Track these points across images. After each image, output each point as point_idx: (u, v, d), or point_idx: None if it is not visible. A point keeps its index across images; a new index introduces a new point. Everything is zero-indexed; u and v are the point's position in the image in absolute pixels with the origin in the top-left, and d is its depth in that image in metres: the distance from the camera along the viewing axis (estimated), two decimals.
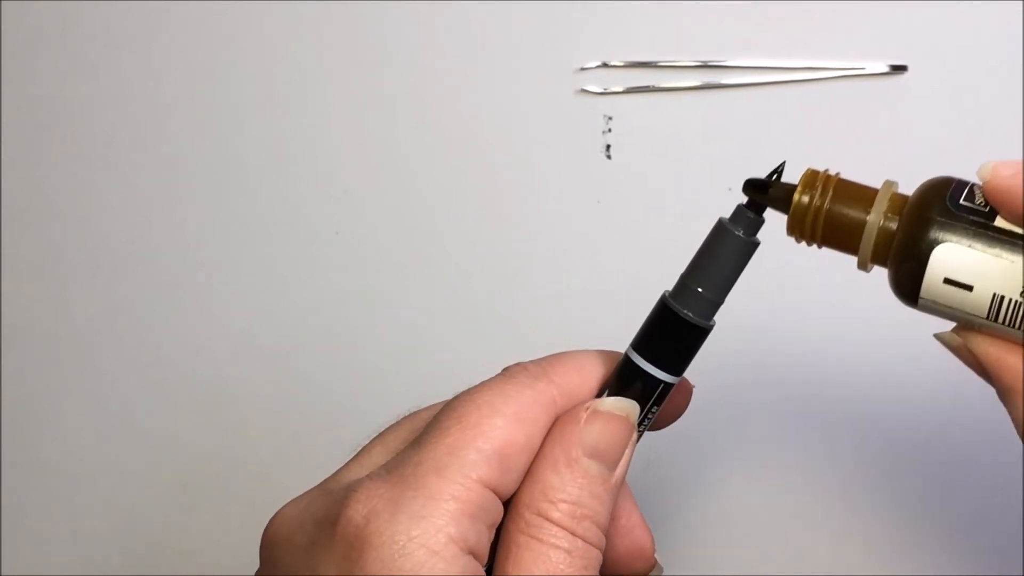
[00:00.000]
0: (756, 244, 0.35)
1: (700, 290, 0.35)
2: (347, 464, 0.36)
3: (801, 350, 0.53)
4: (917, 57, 0.53)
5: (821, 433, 0.53)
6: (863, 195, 0.34)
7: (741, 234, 0.35)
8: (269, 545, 0.35)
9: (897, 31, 0.53)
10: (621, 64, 0.55)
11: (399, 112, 0.56)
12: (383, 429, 0.37)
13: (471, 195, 0.56)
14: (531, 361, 0.36)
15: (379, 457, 0.36)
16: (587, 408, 0.35)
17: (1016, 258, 0.32)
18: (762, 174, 0.37)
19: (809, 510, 0.53)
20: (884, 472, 0.52)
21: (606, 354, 0.37)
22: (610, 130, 0.55)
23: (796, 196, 0.34)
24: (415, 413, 0.38)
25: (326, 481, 0.36)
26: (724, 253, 0.35)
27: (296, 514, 0.34)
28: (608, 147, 0.55)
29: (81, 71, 0.59)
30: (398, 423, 0.37)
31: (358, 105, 0.57)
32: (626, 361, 0.36)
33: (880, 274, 0.34)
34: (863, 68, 0.53)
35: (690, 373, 0.37)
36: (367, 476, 0.34)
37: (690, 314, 0.35)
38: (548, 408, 0.35)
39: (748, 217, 0.35)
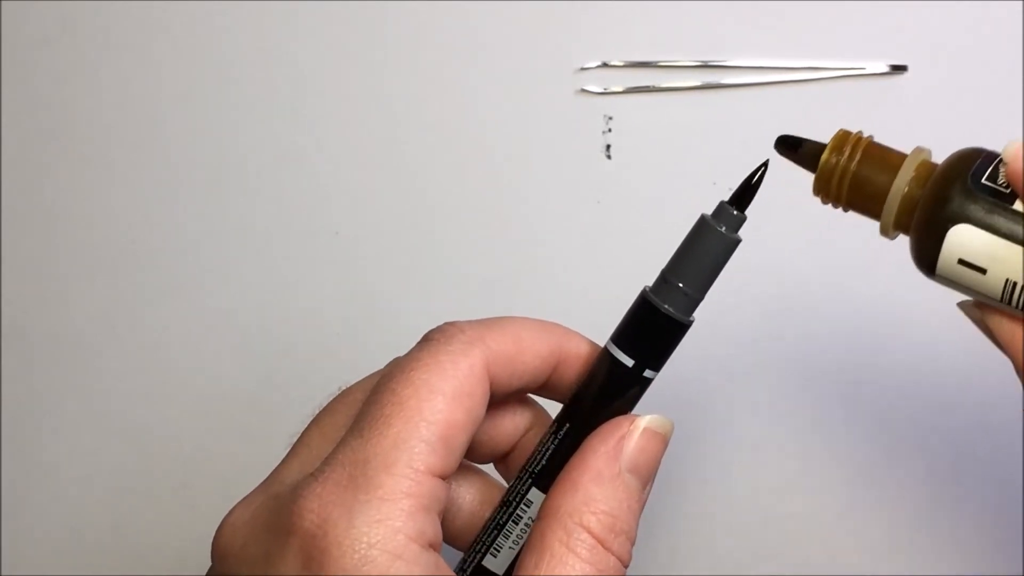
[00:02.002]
0: (738, 241, 0.35)
1: (681, 285, 0.35)
2: (287, 459, 0.36)
3: (802, 349, 0.53)
4: (917, 57, 0.53)
5: (820, 433, 0.53)
6: (891, 161, 0.34)
7: (723, 230, 0.35)
8: (221, 556, 0.34)
9: (897, 31, 0.53)
10: (621, 64, 0.55)
11: (399, 112, 0.56)
12: (317, 413, 0.37)
13: (471, 195, 0.56)
14: (466, 322, 0.36)
15: (318, 449, 0.35)
16: (632, 423, 0.35)
17: None
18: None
19: (808, 510, 0.53)
20: (883, 472, 0.52)
21: (545, 325, 0.37)
22: (610, 130, 0.55)
23: (824, 156, 0.34)
24: (348, 391, 0.37)
25: (270, 481, 0.35)
26: (706, 249, 0.35)
27: (246, 522, 0.34)
28: (608, 147, 0.55)
29: (81, 71, 0.59)
30: (333, 406, 0.37)
31: (358, 105, 0.57)
32: (605, 354, 0.36)
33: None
34: (863, 68, 0.53)
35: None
36: (313, 477, 0.33)
37: (670, 309, 0.35)
38: (484, 378, 0.35)
39: (731, 214, 0.35)
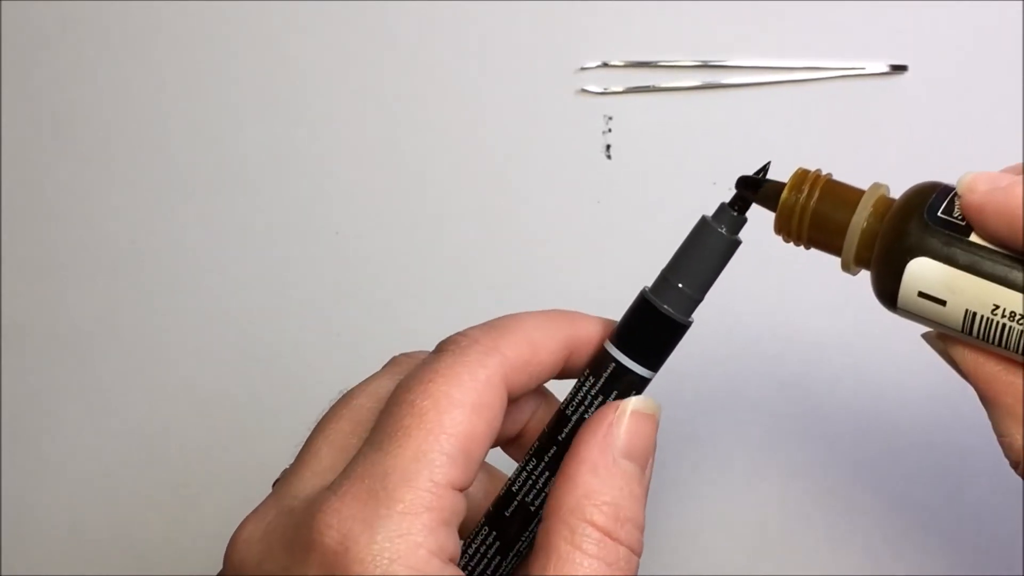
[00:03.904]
0: (738, 243, 0.35)
1: (680, 286, 0.35)
2: (296, 469, 0.35)
3: (803, 350, 0.53)
4: (917, 57, 0.53)
5: (821, 433, 0.53)
6: (850, 197, 0.34)
7: (724, 232, 0.35)
8: (237, 570, 0.34)
9: (897, 31, 0.53)
10: (621, 64, 0.55)
11: (399, 112, 0.56)
12: (319, 420, 0.36)
13: (471, 195, 0.56)
14: (478, 329, 0.35)
15: (328, 459, 0.34)
16: (617, 408, 0.35)
17: (988, 276, 0.31)
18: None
19: (809, 510, 0.53)
20: (884, 472, 0.52)
21: (553, 319, 0.37)
22: (610, 130, 0.55)
23: (784, 194, 0.34)
24: (350, 396, 0.36)
25: (280, 493, 0.34)
26: (706, 250, 0.35)
27: (261, 536, 0.33)
28: (608, 147, 0.55)
29: (81, 71, 0.59)
30: (336, 413, 0.36)
31: (358, 105, 0.57)
32: (603, 353, 0.36)
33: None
34: (863, 68, 0.53)
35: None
36: (330, 490, 0.32)
37: (669, 309, 0.35)
38: (502, 389, 0.34)
39: (731, 215, 0.35)
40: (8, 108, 0.60)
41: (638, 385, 0.36)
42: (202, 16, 0.58)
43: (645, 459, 0.35)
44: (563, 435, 0.36)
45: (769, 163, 0.35)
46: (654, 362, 0.36)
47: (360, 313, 0.56)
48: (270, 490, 0.35)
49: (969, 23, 0.52)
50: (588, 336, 0.37)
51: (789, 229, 0.35)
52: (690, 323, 0.36)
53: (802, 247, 0.35)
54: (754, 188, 0.35)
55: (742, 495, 0.53)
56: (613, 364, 0.36)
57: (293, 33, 0.57)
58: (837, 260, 0.35)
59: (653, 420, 0.35)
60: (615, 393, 0.36)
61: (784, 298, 0.53)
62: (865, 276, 0.34)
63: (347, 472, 0.33)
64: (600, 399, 0.36)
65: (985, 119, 0.52)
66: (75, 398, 0.59)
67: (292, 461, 0.36)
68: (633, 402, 0.35)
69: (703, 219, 0.35)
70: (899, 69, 0.53)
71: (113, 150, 0.59)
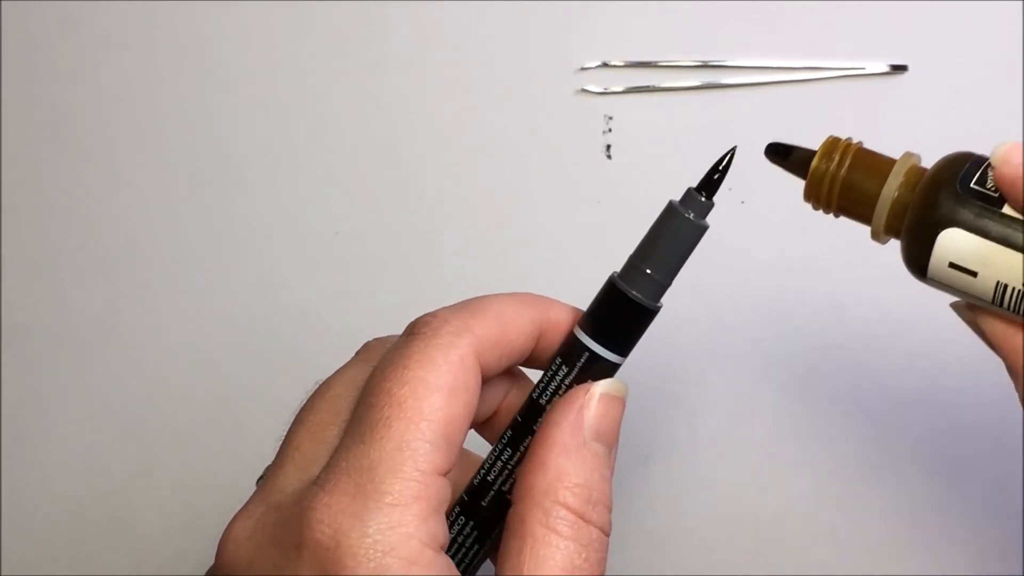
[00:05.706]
0: (705, 228, 0.36)
1: (648, 271, 0.35)
2: (279, 464, 0.35)
3: (802, 348, 0.53)
4: (917, 57, 0.53)
5: (821, 432, 0.53)
6: (881, 166, 0.34)
7: (691, 217, 0.35)
8: (228, 569, 0.34)
9: (897, 31, 0.53)
10: (621, 64, 0.55)
11: (399, 112, 0.56)
12: (298, 411, 0.36)
13: (471, 195, 0.56)
14: (448, 310, 0.36)
15: (311, 452, 0.34)
16: (587, 391, 0.35)
17: (1021, 248, 0.31)
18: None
19: (809, 509, 0.53)
20: (884, 471, 0.52)
21: (524, 299, 0.37)
22: (610, 130, 0.55)
23: (814, 163, 0.34)
24: (327, 387, 0.36)
25: (267, 490, 0.34)
26: (673, 235, 0.36)
27: (250, 535, 0.33)
28: (608, 147, 0.55)
29: (81, 71, 0.59)
30: (314, 404, 0.36)
31: (358, 105, 0.57)
32: (572, 338, 0.36)
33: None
34: (863, 68, 0.53)
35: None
36: (317, 485, 0.32)
37: (638, 295, 0.35)
38: (476, 368, 0.34)
39: (699, 201, 0.35)
40: (8, 108, 0.60)
41: (608, 370, 0.36)
42: (202, 16, 0.58)
43: (613, 441, 0.35)
44: (534, 422, 0.36)
45: (735, 148, 0.35)
46: (623, 347, 0.36)
47: (360, 313, 0.56)
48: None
49: (969, 23, 0.52)
50: (559, 320, 0.37)
51: (819, 197, 0.35)
52: (659, 308, 0.36)
53: (831, 215, 0.35)
54: (784, 156, 0.35)
55: (742, 494, 0.53)
56: (581, 349, 0.36)
57: (293, 33, 0.57)
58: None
59: (621, 402, 0.35)
60: (579, 377, 0.36)
61: (784, 293, 0.53)
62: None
63: (332, 466, 0.33)
64: (568, 384, 0.36)
65: (985, 119, 0.52)
66: (75, 398, 0.59)
67: (274, 456, 0.36)
68: (602, 385, 0.35)
69: (670, 204, 0.36)
70: (899, 69, 0.53)
71: (113, 150, 0.59)
